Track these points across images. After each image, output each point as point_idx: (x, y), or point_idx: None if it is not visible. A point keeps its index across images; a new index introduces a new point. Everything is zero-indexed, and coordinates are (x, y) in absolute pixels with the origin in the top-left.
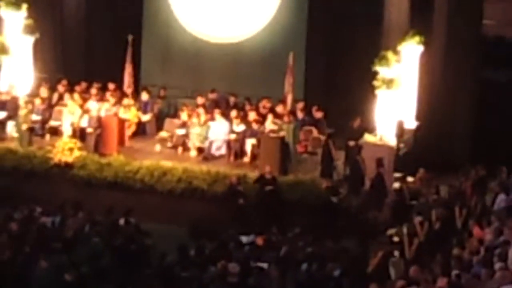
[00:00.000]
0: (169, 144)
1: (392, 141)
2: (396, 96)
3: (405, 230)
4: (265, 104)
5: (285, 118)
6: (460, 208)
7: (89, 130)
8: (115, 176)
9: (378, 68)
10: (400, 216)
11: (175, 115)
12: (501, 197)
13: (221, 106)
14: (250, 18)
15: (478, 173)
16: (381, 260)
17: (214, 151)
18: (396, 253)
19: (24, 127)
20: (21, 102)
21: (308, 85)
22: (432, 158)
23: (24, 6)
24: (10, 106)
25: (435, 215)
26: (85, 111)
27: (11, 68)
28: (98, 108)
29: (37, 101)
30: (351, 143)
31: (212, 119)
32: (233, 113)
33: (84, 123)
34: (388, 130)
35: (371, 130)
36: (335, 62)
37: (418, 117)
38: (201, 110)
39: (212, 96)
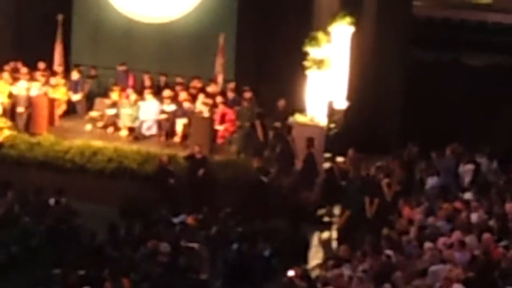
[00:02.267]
0: (100, 124)
1: (322, 122)
2: (327, 76)
3: (335, 210)
4: (195, 84)
5: (217, 98)
6: (388, 188)
7: (20, 109)
8: (45, 155)
9: (308, 48)
10: (330, 196)
11: (106, 94)
12: (433, 178)
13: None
14: None
15: (410, 153)
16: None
17: (144, 130)
18: (327, 233)
19: None
20: None
21: (238, 66)
22: (362, 138)
23: None
24: None
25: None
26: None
27: None
28: (28, 87)
29: None
30: (277, 124)
31: (143, 99)
32: (164, 92)
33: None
34: (318, 111)
35: (300, 111)
36: (266, 42)
37: (348, 98)
38: (130, 90)
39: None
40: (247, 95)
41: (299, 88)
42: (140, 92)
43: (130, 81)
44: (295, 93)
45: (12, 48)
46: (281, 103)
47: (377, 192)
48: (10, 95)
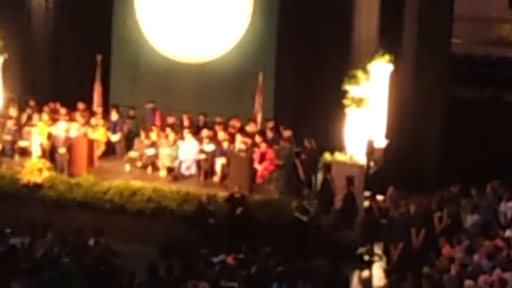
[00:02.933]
0: (139, 164)
1: (362, 160)
2: (366, 114)
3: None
4: (234, 123)
5: (256, 138)
6: (439, 222)
7: (60, 150)
8: (84, 196)
9: (347, 87)
10: (370, 235)
11: (146, 135)
12: (474, 216)
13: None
14: (219, 38)
15: (450, 192)
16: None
17: (183, 170)
18: (367, 272)
19: None
20: None
21: (277, 105)
22: (402, 176)
23: None
24: None
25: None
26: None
27: None
28: (67, 128)
29: (9, 122)
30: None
31: (182, 138)
32: (203, 132)
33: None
34: (358, 149)
35: (339, 149)
36: (305, 81)
37: (388, 136)
38: (169, 130)
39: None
40: (286, 134)
41: (338, 126)
42: (192, 133)
43: (157, 119)
44: (334, 132)
45: (51, 89)
46: (308, 142)
47: (428, 225)
48: (49, 136)
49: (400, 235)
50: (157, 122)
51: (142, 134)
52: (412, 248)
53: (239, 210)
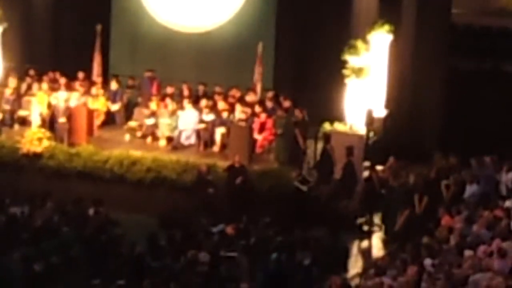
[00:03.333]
0: (138, 134)
1: (361, 130)
2: (366, 84)
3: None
4: (234, 93)
5: (256, 108)
6: (446, 190)
7: (61, 120)
8: (84, 166)
9: (347, 57)
10: (370, 205)
11: (144, 104)
12: (473, 187)
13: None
14: (219, 8)
15: (449, 162)
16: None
17: (183, 140)
18: (366, 241)
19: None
20: None
21: (277, 75)
22: (401, 146)
23: None
24: None
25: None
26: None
27: None
28: (67, 98)
29: (7, 91)
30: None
31: (181, 108)
32: (203, 102)
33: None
34: (357, 119)
35: (339, 119)
36: (304, 51)
37: (387, 106)
38: (169, 100)
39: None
40: (286, 104)
41: (338, 96)
42: (192, 102)
43: (154, 88)
44: (334, 102)
45: (50, 59)
46: (297, 112)
47: (436, 193)
48: (49, 106)
49: (399, 204)
50: (154, 91)
51: (141, 103)
52: (412, 217)
53: (239, 180)
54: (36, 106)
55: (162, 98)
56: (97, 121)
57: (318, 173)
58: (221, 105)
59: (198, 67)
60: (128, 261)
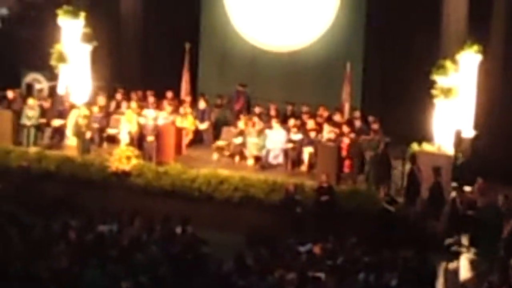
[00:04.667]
0: (226, 153)
1: (450, 151)
2: (454, 105)
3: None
4: (322, 112)
5: (344, 128)
6: None
7: (149, 138)
8: (172, 184)
9: (436, 77)
10: (457, 226)
11: (232, 123)
12: None
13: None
14: (307, 27)
15: None
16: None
17: (271, 159)
18: (454, 262)
19: (88, 135)
20: (80, 110)
21: (365, 94)
22: (490, 167)
23: (82, 15)
24: (68, 114)
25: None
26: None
27: (69, 76)
28: (155, 116)
29: (95, 109)
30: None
31: (269, 127)
32: (291, 121)
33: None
34: (446, 139)
35: (427, 140)
36: (393, 71)
37: (476, 126)
38: (257, 119)
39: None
40: (375, 126)
41: (426, 116)
42: (280, 122)
43: (238, 104)
44: (422, 122)
45: (139, 77)
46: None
47: None
48: (138, 124)
49: (487, 226)
50: (238, 106)
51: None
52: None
53: (324, 198)
54: (125, 125)
55: (250, 117)
56: (186, 139)
57: (405, 193)
58: (310, 124)
59: (286, 86)
60: (215, 280)
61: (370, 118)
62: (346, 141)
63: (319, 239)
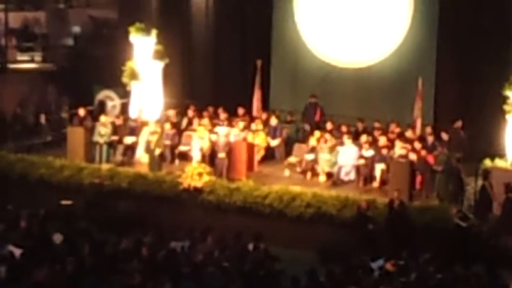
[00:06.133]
0: (298, 169)
1: None
2: None
3: None
4: (393, 129)
5: (416, 144)
6: None
7: (220, 155)
8: (244, 201)
9: (508, 92)
10: None
11: (304, 140)
12: None
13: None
14: (378, 43)
15: None
16: None
17: (343, 176)
18: None
19: (157, 152)
20: (151, 127)
21: (437, 110)
22: None
23: (154, 32)
24: (140, 131)
25: None
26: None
27: (141, 93)
28: (227, 133)
29: (167, 126)
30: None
31: (341, 144)
32: (363, 138)
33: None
34: None
35: (500, 156)
36: (465, 86)
37: None
38: (329, 136)
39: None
40: (444, 137)
41: (499, 132)
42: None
43: (318, 115)
44: (495, 137)
45: (210, 94)
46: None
47: None
48: (210, 141)
49: None
50: (318, 117)
51: (306, 130)
52: None
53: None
54: (197, 141)
55: (322, 133)
56: (257, 156)
57: (476, 209)
58: (382, 140)
59: (357, 102)
60: None
61: (442, 133)
62: (412, 157)
63: (392, 256)
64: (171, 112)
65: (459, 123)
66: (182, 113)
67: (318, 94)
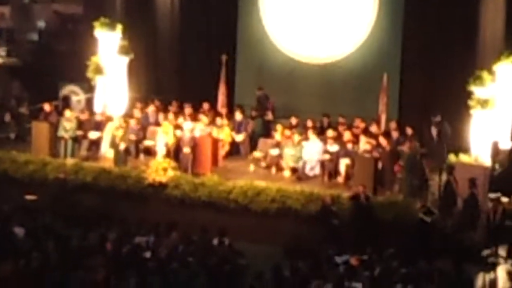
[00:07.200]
0: (263, 164)
1: (487, 162)
2: (491, 116)
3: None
4: (358, 124)
5: (380, 139)
6: None
7: (185, 150)
8: (209, 196)
9: (473, 88)
10: (495, 237)
11: (269, 135)
12: None
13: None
14: (343, 38)
15: None
16: None
17: (308, 171)
18: (491, 274)
19: (122, 146)
20: (116, 122)
21: (402, 105)
22: None
23: (119, 27)
24: (105, 126)
25: None
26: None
27: (106, 88)
28: (192, 128)
29: (132, 122)
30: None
31: (306, 139)
32: (328, 133)
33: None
34: (483, 151)
35: (464, 151)
36: (429, 82)
37: None
38: (294, 131)
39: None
40: (409, 131)
41: (463, 127)
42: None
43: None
44: (459, 133)
45: (175, 89)
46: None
47: None
48: (174, 136)
49: None
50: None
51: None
52: None
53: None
54: (162, 136)
55: (289, 128)
56: (222, 151)
57: (441, 204)
58: (346, 135)
59: (322, 97)
60: None
61: (408, 130)
62: (375, 154)
63: (356, 251)
64: (136, 107)
65: (439, 117)
66: (146, 108)
67: (283, 89)
